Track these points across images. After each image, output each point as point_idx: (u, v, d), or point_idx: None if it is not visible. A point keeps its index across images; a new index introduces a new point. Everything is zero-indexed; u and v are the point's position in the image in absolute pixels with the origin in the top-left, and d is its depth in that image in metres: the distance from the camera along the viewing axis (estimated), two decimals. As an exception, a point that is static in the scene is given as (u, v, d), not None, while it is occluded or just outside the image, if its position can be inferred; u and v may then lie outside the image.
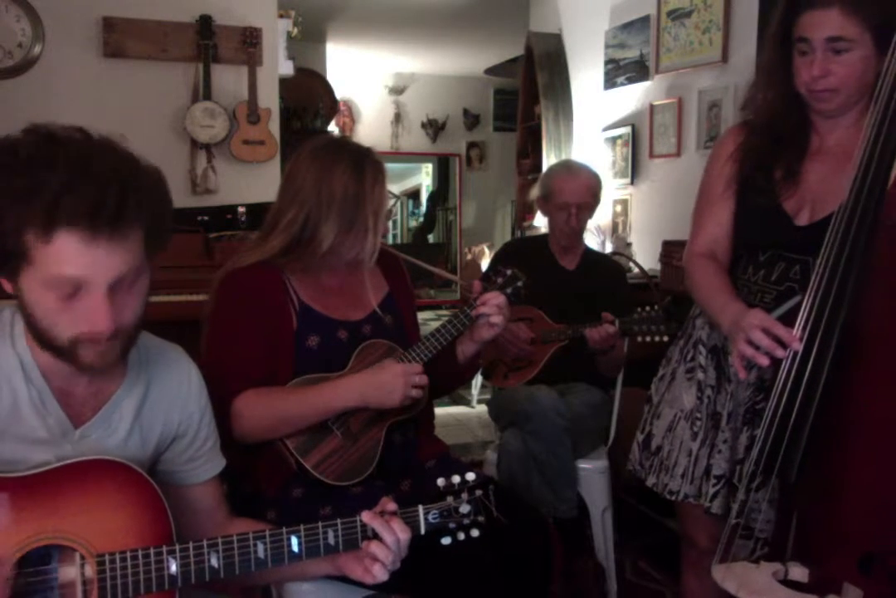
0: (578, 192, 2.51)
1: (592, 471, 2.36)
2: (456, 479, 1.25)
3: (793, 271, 1.51)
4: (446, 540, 1.24)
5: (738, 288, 1.57)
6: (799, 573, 1.23)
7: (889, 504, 1.08)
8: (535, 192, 2.69)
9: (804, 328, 1.26)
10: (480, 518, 1.25)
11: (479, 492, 1.26)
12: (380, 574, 1.17)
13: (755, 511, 1.42)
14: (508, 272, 1.73)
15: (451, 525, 1.24)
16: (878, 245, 1.22)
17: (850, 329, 1.22)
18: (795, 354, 1.26)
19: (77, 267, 0.97)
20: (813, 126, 1.55)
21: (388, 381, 1.50)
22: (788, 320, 1.30)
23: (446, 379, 1.76)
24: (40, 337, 1.04)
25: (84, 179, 0.95)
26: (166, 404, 1.21)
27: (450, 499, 1.24)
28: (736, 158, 1.59)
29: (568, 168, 2.64)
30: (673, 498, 1.63)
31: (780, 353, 1.27)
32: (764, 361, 1.29)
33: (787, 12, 1.47)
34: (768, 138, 1.55)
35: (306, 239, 1.55)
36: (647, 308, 2.24)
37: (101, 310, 0.99)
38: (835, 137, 1.53)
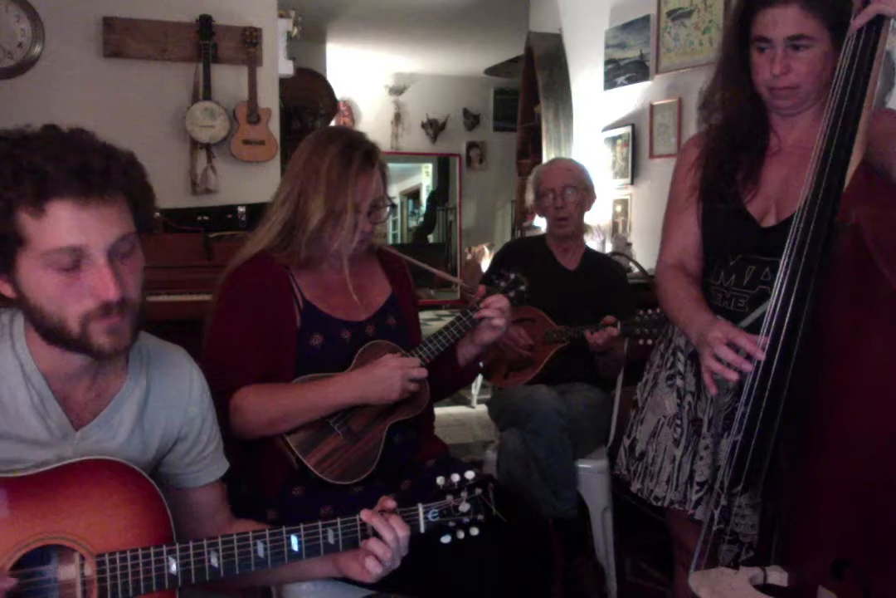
0: (558, 174, 2.59)
1: (592, 471, 2.36)
2: (455, 478, 1.25)
3: (763, 274, 1.49)
4: (446, 539, 1.24)
5: (711, 294, 1.55)
6: (777, 577, 1.21)
7: (859, 511, 1.06)
8: (529, 197, 2.70)
9: (767, 334, 1.24)
10: (480, 517, 1.25)
11: (478, 491, 1.26)
12: (373, 568, 1.17)
13: (739, 516, 1.41)
14: (512, 276, 1.74)
15: (451, 524, 1.23)
16: (837, 247, 1.19)
17: (816, 333, 1.20)
18: (759, 361, 1.24)
19: (73, 235, 0.99)
20: (771, 126, 1.54)
21: (385, 375, 1.50)
22: (762, 325, 1.28)
23: (447, 381, 1.76)
24: (49, 328, 1.03)
25: (66, 149, 0.99)
26: (168, 406, 1.21)
27: (449, 498, 1.24)
28: (699, 166, 1.58)
29: (548, 161, 2.86)
30: (659, 504, 1.62)
31: (746, 367, 1.25)
32: (732, 376, 1.27)
33: (744, 9, 1.45)
34: (727, 142, 1.54)
35: (300, 218, 1.56)
36: (649, 311, 2.24)
37: (105, 276, 1.01)
38: (794, 137, 1.52)
